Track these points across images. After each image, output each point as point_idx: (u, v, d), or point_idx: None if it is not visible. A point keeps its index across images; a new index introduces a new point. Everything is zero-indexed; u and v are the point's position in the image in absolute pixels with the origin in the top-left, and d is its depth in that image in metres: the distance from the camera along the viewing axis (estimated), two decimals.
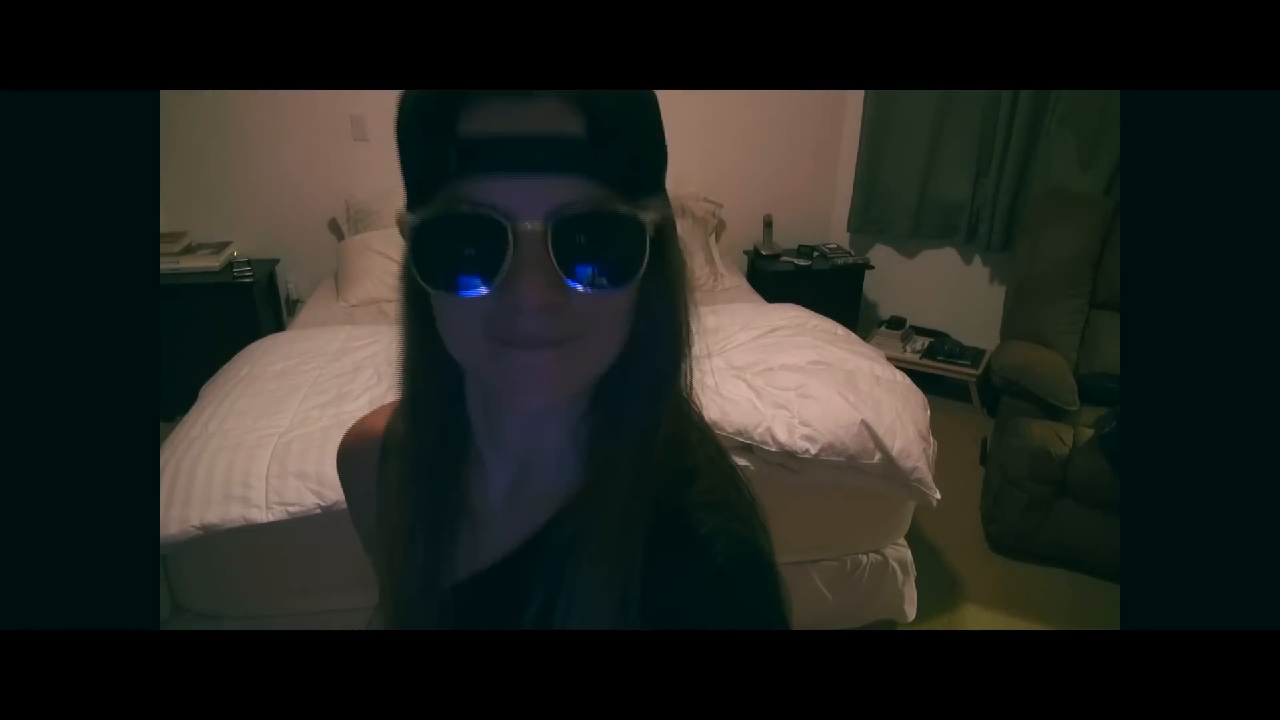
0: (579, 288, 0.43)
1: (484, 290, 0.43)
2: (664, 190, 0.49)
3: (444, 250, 0.44)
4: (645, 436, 0.51)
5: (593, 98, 0.42)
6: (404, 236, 0.45)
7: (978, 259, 3.47)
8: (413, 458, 0.57)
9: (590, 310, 0.45)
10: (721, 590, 0.51)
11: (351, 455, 0.71)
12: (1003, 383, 2.48)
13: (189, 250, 3.19)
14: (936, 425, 2.06)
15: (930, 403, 2.10)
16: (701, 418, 0.58)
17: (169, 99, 3.02)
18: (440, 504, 0.56)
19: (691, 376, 0.55)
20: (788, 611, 0.53)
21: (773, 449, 1.74)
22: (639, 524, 0.49)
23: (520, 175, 0.42)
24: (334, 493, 1.63)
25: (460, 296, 0.44)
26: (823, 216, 3.79)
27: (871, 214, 3.59)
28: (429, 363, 0.55)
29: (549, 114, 0.42)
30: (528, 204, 0.42)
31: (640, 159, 0.45)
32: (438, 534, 0.56)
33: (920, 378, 2.42)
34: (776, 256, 3.55)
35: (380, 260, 2.99)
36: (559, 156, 0.42)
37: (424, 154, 0.44)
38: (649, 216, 0.45)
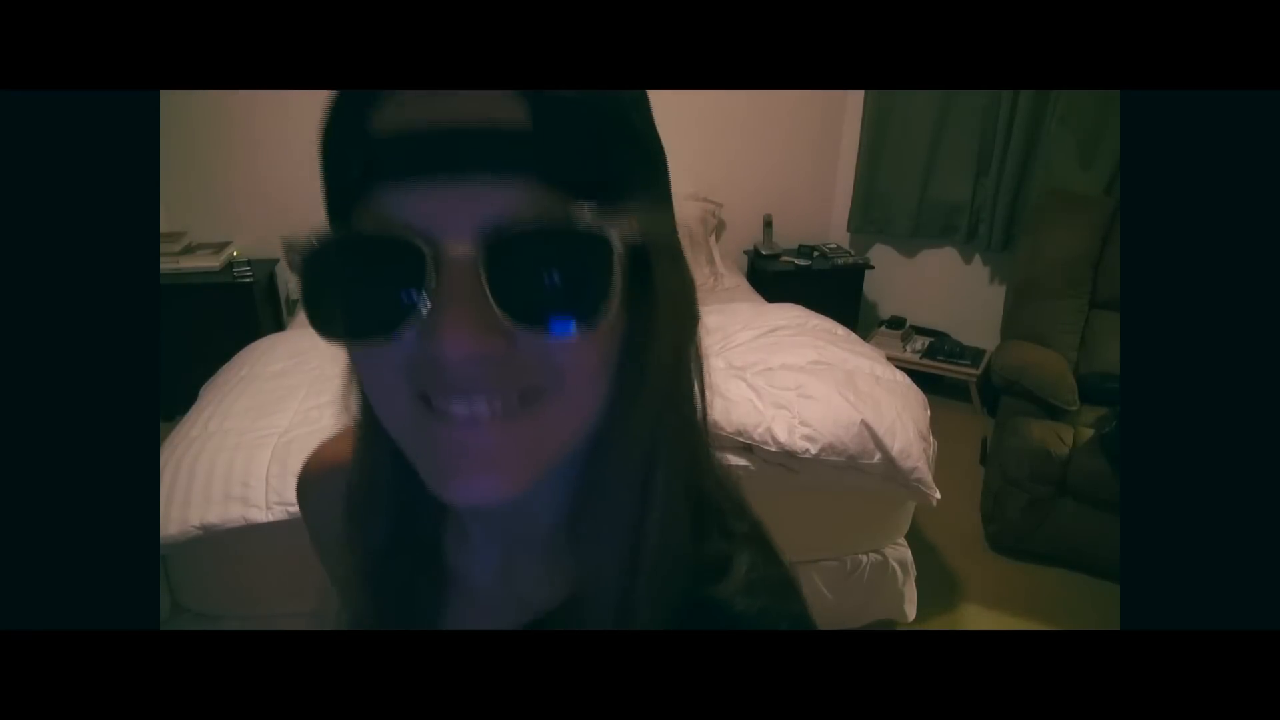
0: (526, 332, 0.32)
1: (391, 337, 0.32)
2: (656, 196, 0.37)
3: (343, 287, 0.33)
4: (638, 529, 0.38)
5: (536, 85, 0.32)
6: (291, 267, 0.34)
7: (978, 259, 3.47)
8: (381, 487, 0.45)
9: (545, 361, 0.33)
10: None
11: (312, 487, 0.57)
12: (1003, 383, 2.47)
13: (189, 250, 3.19)
14: (936, 425, 2.06)
15: (930, 403, 2.10)
16: (730, 482, 0.47)
17: (169, 99, 3.02)
18: (411, 538, 0.46)
19: (707, 440, 0.43)
20: None
21: (773, 449, 1.74)
22: (645, 620, 0.40)
23: (444, 181, 0.31)
24: None
25: (366, 343, 0.34)
26: (823, 216, 3.79)
27: (871, 214, 3.58)
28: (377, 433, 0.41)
29: (481, 100, 0.31)
30: (453, 219, 0.31)
31: (609, 153, 0.33)
32: (409, 574, 0.47)
33: (920, 378, 2.42)
34: (776, 256, 3.55)
35: None
36: (494, 153, 0.31)
37: (332, 163, 0.35)
38: (622, 231, 0.32)
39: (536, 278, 0.32)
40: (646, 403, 0.37)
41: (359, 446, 0.44)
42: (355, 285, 0.33)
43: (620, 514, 0.38)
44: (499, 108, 0.31)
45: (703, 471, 0.43)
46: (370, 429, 0.43)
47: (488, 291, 0.31)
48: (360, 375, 0.38)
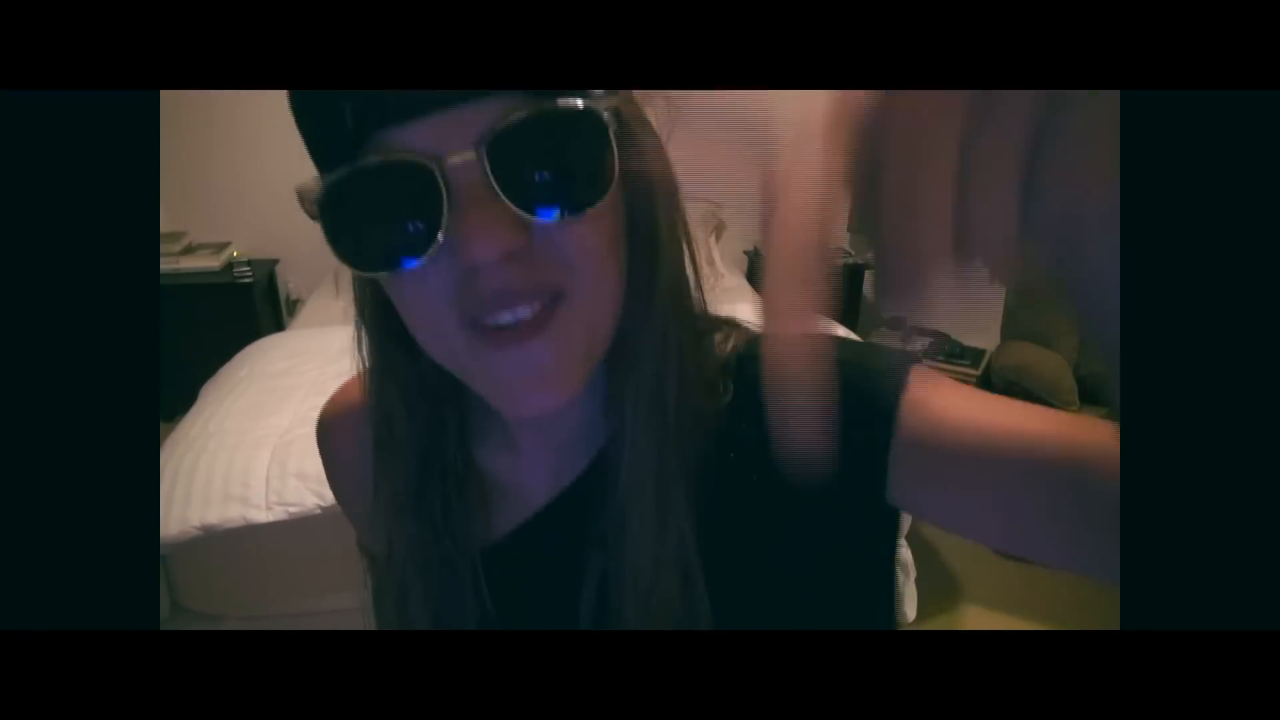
0: (541, 218, 0.33)
1: (423, 258, 0.34)
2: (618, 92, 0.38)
3: (365, 218, 0.35)
4: (662, 381, 0.41)
5: None
6: (310, 215, 0.36)
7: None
8: (400, 426, 0.47)
9: (565, 251, 0.35)
10: None
11: (332, 428, 0.59)
12: (1003, 383, 2.48)
13: (189, 250, 3.19)
14: None
15: None
16: (715, 319, 0.49)
17: (169, 99, 3.02)
18: (440, 464, 0.47)
19: (701, 291, 0.47)
20: None
21: None
22: (676, 471, 0.42)
23: (436, 111, 0.33)
24: None
25: (402, 271, 0.35)
26: None
27: None
28: (394, 369, 0.45)
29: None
30: (451, 135, 0.33)
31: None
32: (445, 497, 0.47)
33: None
34: None
35: None
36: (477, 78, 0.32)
37: (317, 119, 0.36)
38: (605, 105, 0.33)
39: (539, 166, 0.33)
40: (661, 292, 0.40)
41: (373, 392, 0.46)
42: (376, 217, 0.35)
43: (647, 385, 0.41)
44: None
45: (702, 333, 0.46)
46: (382, 373, 0.45)
47: (498, 190, 0.33)
48: (410, 314, 0.39)
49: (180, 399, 2.22)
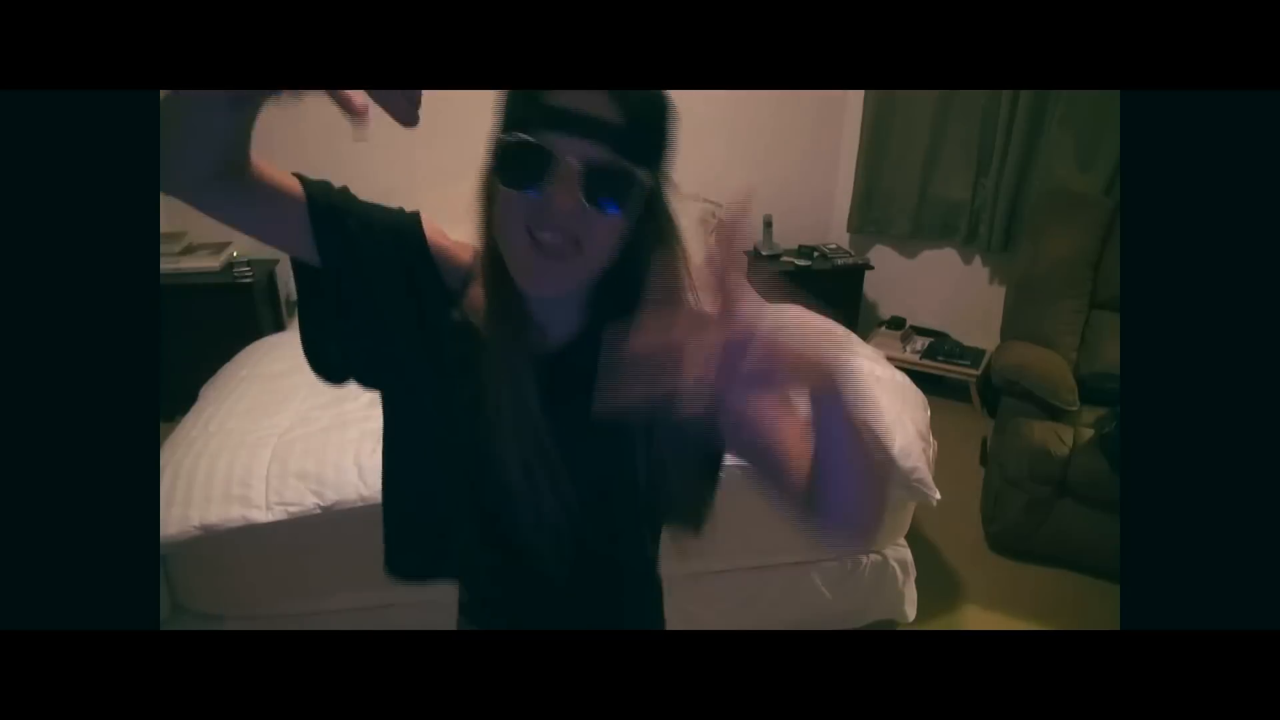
0: (593, 205, 0.64)
1: (535, 190, 0.64)
2: (662, 169, 0.69)
3: (518, 164, 0.65)
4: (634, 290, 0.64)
5: (629, 97, 0.64)
6: (491, 152, 0.66)
7: (978, 259, 3.47)
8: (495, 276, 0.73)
9: (591, 227, 0.65)
10: None
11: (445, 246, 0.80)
12: (1003, 383, 2.47)
13: (189, 250, 3.19)
14: (936, 425, 2.06)
15: (930, 403, 2.10)
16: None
17: None
18: (515, 300, 0.73)
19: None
20: None
21: None
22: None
23: (577, 135, 0.63)
24: (334, 493, 1.63)
25: (521, 193, 0.64)
26: (823, 216, 3.79)
27: (871, 214, 3.58)
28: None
29: (603, 102, 0.63)
30: (578, 151, 0.63)
31: (651, 143, 0.67)
32: (521, 317, 0.74)
33: (920, 378, 2.42)
34: (776, 256, 3.55)
35: None
36: (602, 130, 0.63)
37: (517, 108, 0.65)
38: (644, 176, 0.66)
39: (605, 185, 0.64)
40: (632, 279, 0.67)
41: (490, 250, 0.72)
42: (523, 161, 0.64)
43: (606, 301, 0.72)
44: (608, 109, 0.63)
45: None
46: (488, 251, 0.73)
47: (581, 185, 0.63)
48: (501, 215, 0.67)
49: (180, 399, 2.22)
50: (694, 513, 0.85)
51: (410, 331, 0.76)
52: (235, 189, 0.70)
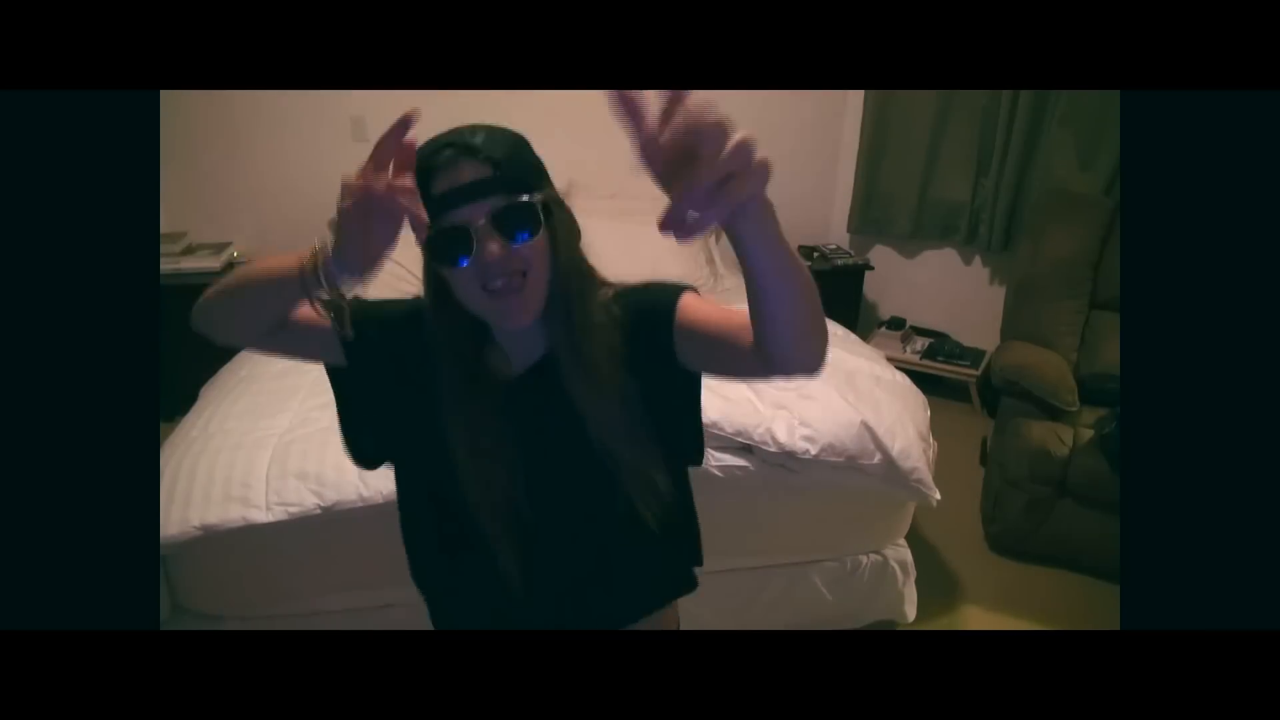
0: (513, 243, 0.78)
1: (468, 260, 0.77)
2: (548, 184, 0.83)
3: (444, 246, 0.77)
4: (570, 311, 0.85)
5: (490, 152, 0.77)
6: (424, 250, 0.79)
7: (978, 259, 3.47)
8: (445, 333, 0.88)
9: (524, 255, 0.79)
10: (643, 290, 0.90)
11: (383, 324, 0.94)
12: (1003, 383, 2.47)
13: (189, 250, 3.19)
14: (936, 425, 2.06)
15: (930, 403, 2.10)
16: (605, 282, 0.92)
17: (169, 99, 3.02)
18: (466, 352, 0.89)
19: (592, 269, 0.89)
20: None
21: (773, 449, 1.74)
22: (585, 349, 0.85)
23: (471, 202, 0.77)
24: (334, 493, 1.62)
25: (460, 267, 0.78)
26: (823, 216, 3.79)
27: (871, 214, 3.58)
28: (449, 312, 0.86)
29: (474, 167, 0.77)
30: (476, 214, 0.77)
31: (524, 174, 0.80)
32: (473, 365, 0.89)
33: (920, 378, 2.42)
34: None
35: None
36: (485, 187, 0.77)
37: (428, 200, 0.75)
38: (536, 198, 0.79)
39: (510, 223, 0.77)
40: (566, 273, 0.84)
41: (434, 320, 0.88)
42: (448, 242, 0.77)
43: (571, 311, 0.85)
44: (482, 171, 0.77)
45: (596, 286, 0.89)
46: (438, 311, 0.87)
47: (496, 232, 0.77)
48: (457, 286, 0.81)
49: (180, 399, 2.22)
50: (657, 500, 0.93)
51: (428, 399, 0.89)
52: (280, 338, 0.86)
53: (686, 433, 0.97)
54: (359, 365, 0.89)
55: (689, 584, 1.07)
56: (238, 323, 0.83)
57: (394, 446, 0.97)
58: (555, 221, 0.81)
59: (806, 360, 0.73)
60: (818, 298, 0.69)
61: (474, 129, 0.79)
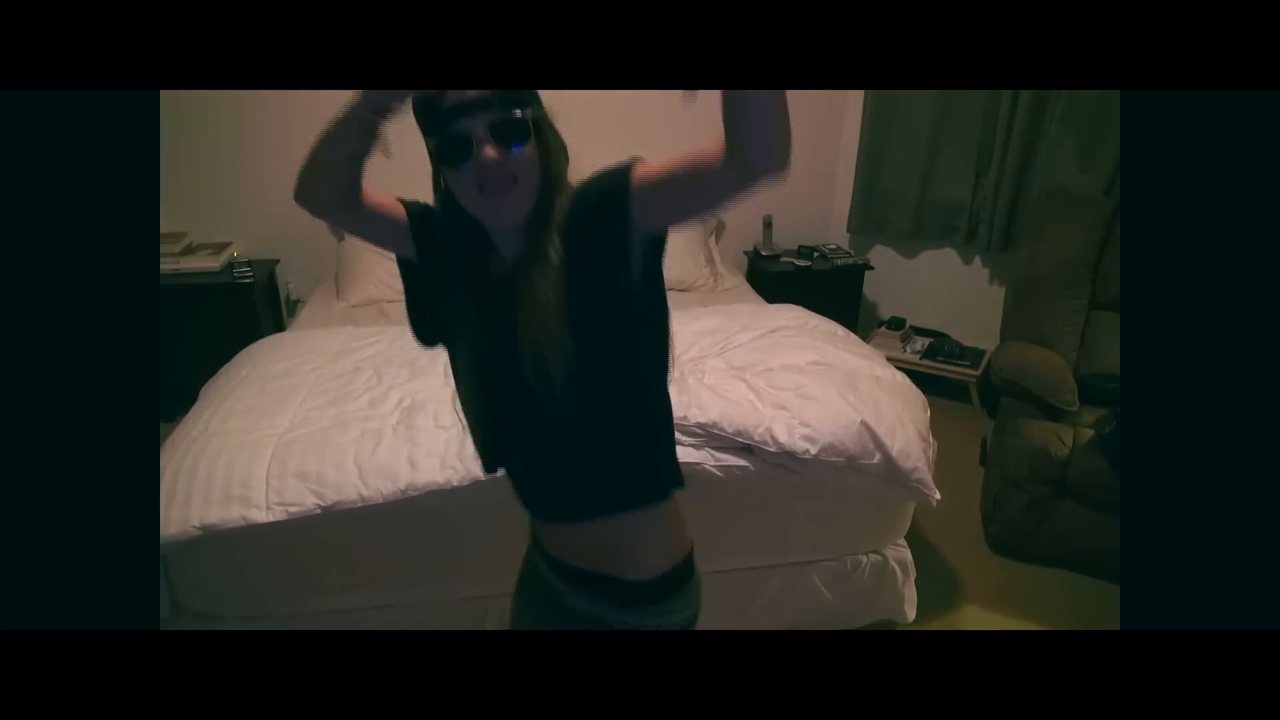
0: (507, 150, 0.88)
1: (468, 164, 0.88)
2: (539, 104, 0.92)
3: (449, 152, 0.88)
4: (555, 199, 0.94)
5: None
6: (430, 154, 0.92)
7: (978, 259, 3.47)
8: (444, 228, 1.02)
9: (515, 164, 0.88)
10: (592, 179, 0.92)
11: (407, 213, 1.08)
12: (1003, 383, 2.47)
13: (189, 250, 3.19)
14: (936, 425, 2.06)
15: (930, 403, 2.10)
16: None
17: (169, 99, 3.02)
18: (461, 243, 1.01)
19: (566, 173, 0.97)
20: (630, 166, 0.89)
21: (773, 449, 1.74)
22: (555, 241, 0.93)
23: (472, 115, 0.87)
24: (334, 493, 1.63)
25: (460, 170, 0.88)
26: (823, 216, 3.79)
27: (871, 214, 3.58)
28: (452, 213, 0.98)
29: (479, 95, 0.86)
30: (479, 125, 0.87)
31: (519, 94, 0.88)
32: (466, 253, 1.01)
33: (920, 378, 2.42)
34: (776, 257, 3.54)
35: (380, 260, 2.98)
36: (485, 102, 0.86)
37: (428, 119, 0.89)
38: (529, 114, 0.89)
39: (507, 134, 0.87)
40: (555, 178, 0.94)
41: (443, 216, 1.00)
42: (451, 147, 0.88)
43: (550, 211, 0.93)
44: (482, 90, 0.86)
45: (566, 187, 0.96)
46: (444, 206, 0.99)
47: (492, 140, 0.87)
48: (457, 187, 0.91)
49: (180, 400, 2.22)
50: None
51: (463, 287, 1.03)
52: (361, 217, 1.03)
53: (650, 327, 0.98)
54: (422, 255, 1.05)
55: (655, 494, 1.03)
56: (318, 186, 0.98)
57: (440, 329, 1.09)
58: (545, 137, 0.92)
59: (780, 155, 0.76)
60: (784, 96, 0.74)
61: None
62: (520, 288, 0.93)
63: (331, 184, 0.98)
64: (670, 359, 1.01)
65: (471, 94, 0.86)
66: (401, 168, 1.10)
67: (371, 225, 1.05)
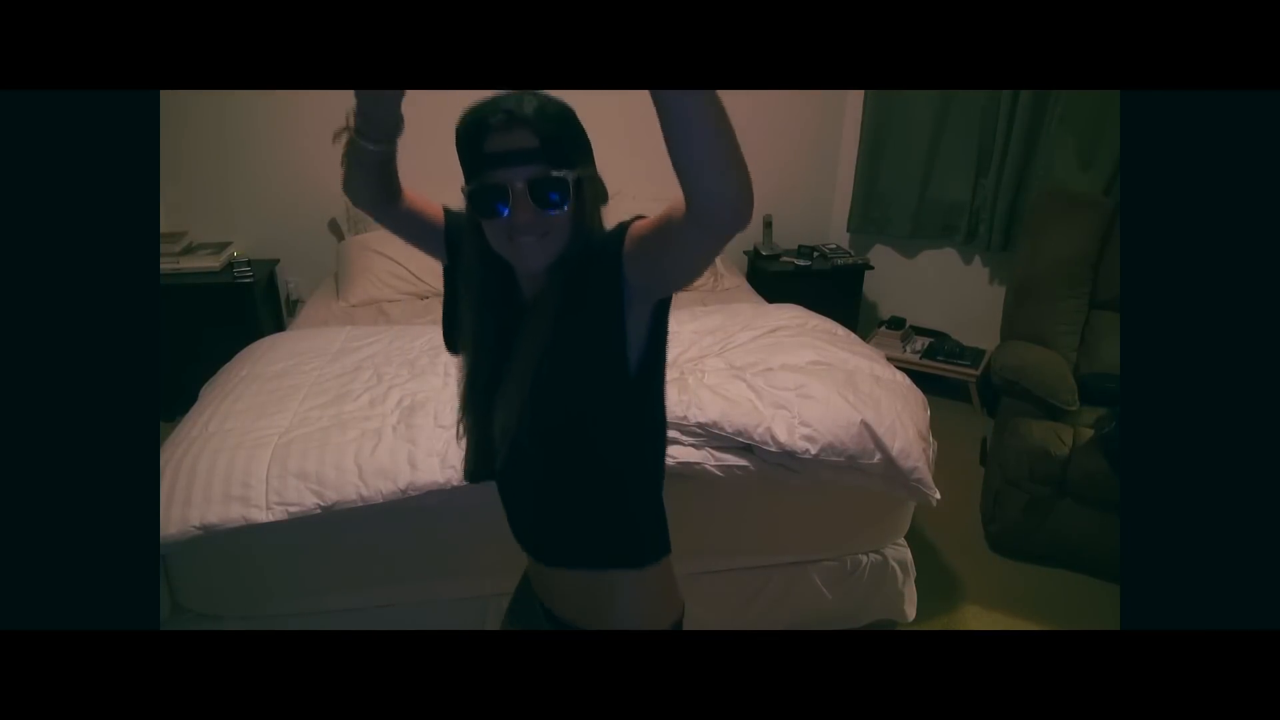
0: (543, 210, 0.86)
1: (501, 219, 0.87)
2: (588, 163, 0.91)
3: (484, 201, 0.87)
4: (584, 249, 0.91)
5: (540, 124, 0.85)
6: (466, 198, 0.90)
7: (978, 259, 3.47)
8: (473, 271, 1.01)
9: (549, 221, 0.87)
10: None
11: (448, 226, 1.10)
12: (1003, 383, 2.47)
13: (189, 250, 3.19)
14: (936, 425, 2.06)
15: (930, 403, 2.10)
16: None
17: (169, 99, 3.02)
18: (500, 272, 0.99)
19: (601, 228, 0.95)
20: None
21: (773, 449, 1.74)
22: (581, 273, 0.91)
23: (514, 166, 0.86)
24: (334, 493, 1.63)
25: (497, 216, 0.87)
26: (823, 216, 3.79)
27: (871, 214, 3.58)
28: (483, 251, 0.96)
29: (526, 135, 0.85)
30: (517, 177, 0.86)
31: (566, 150, 0.87)
32: (498, 291, 1.00)
33: (920, 378, 2.42)
34: (776, 257, 3.55)
35: (380, 260, 2.99)
36: (530, 156, 0.85)
37: (469, 160, 0.88)
38: (572, 176, 0.87)
39: (544, 192, 0.86)
40: (588, 232, 0.91)
41: (470, 246, 0.98)
42: (486, 197, 0.87)
43: (575, 260, 0.91)
44: (528, 140, 0.85)
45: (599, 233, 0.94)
46: (474, 247, 0.97)
47: (530, 197, 0.86)
48: (490, 230, 0.90)
49: (180, 399, 2.22)
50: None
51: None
52: (394, 214, 1.05)
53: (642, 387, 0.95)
54: (454, 264, 1.06)
55: (632, 559, 0.98)
56: (353, 185, 1.02)
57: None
58: (584, 194, 0.90)
59: (731, 194, 0.69)
60: (730, 125, 0.67)
61: (530, 96, 0.86)
62: (527, 324, 0.93)
63: (362, 184, 1.01)
64: (664, 433, 1.01)
65: (515, 144, 0.84)
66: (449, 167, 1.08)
67: (410, 226, 1.06)
